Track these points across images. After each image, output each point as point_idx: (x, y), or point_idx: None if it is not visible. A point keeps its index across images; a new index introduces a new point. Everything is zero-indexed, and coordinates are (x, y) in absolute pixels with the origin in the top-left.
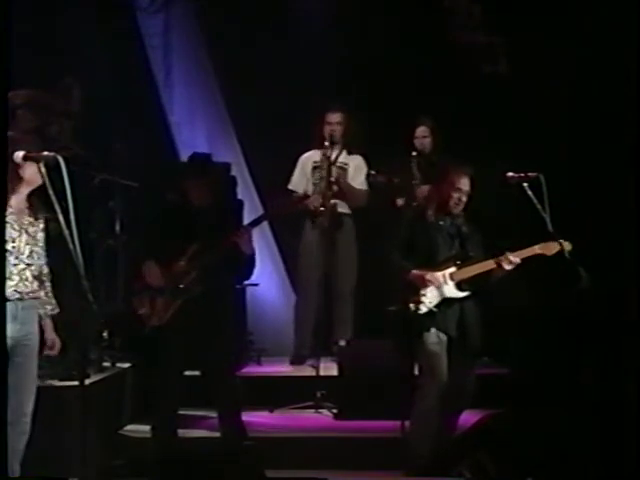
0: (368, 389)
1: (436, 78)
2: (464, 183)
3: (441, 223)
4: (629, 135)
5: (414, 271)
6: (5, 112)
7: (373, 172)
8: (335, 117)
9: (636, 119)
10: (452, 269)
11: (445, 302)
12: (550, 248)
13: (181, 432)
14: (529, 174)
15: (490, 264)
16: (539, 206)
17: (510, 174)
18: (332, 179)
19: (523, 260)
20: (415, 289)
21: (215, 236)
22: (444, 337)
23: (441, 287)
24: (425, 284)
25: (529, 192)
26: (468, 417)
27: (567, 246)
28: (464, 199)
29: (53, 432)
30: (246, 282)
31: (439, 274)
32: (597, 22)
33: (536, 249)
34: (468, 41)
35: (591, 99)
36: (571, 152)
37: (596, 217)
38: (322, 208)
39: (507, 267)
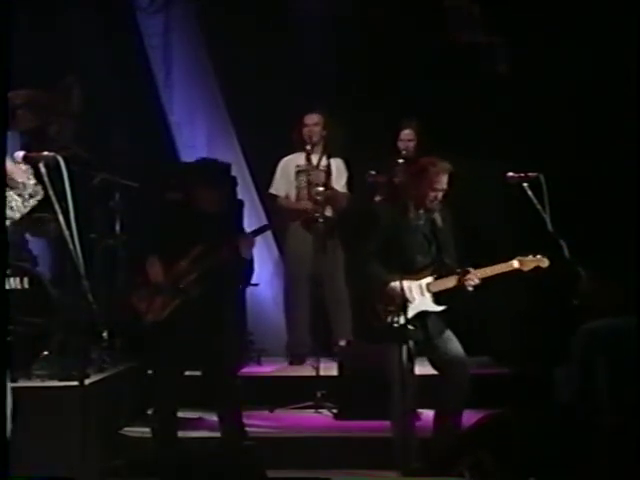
0: (368, 389)
1: (436, 78)
2: (442, 181)
3: (420, 223)
4: (630, 135)
5: (392, 284)
6: (5, 112)
7: (373, 172)
8: (312, 119)
9: (636, 119)
10: (429, 279)
11: (422, 314)
12: (527, 263)
13: (181, 433)
14: (529, 174)
15: (464, 277)
16: (539, 206)
17: (510, 174)
18: (323, 183)
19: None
20: (391, 301)
21: (219, 239)
22: (417, 346)
23: (418, 299)
24: (403, 299)
25: (529, 192)
26: (468, 417)
27: (544, 263)
28: (440, 196)
29: (53, 432)
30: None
31: (416, 285)
32: (597, 22)
33: (514, 264)
34: (468, 41)
35: (591, 99)
36: (571, 152)
37: (596, 217)
38: (317, 214)
39: (470, 285)
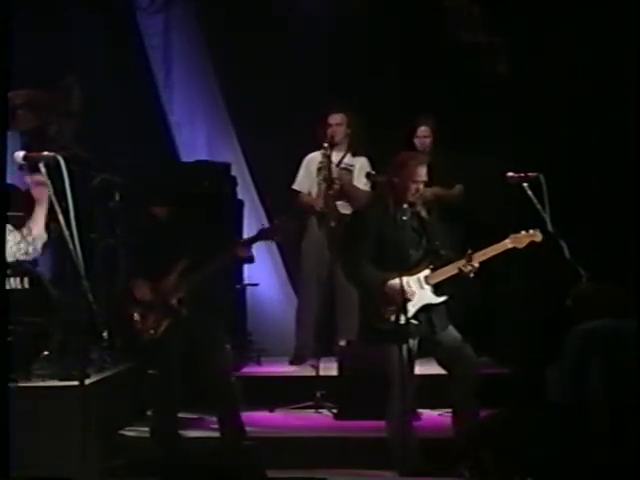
0: (368, 389)
1: (436, 78)
2: (421, 174)
3: (404, 218)
4: (630, 135)
5: (390, 282)
6: (5, 112)
7: (373, 172)
8: (336, 118)
9: (636, 119)
10: (426, 272)
11: (425, 307)
12: (521, 240)
13: (181, 433)
14: (529, 174)
15: (461, 263)
16: (539, 206)
17: (510, 174)
18: (334, 179)
19: (519, 250)
20: (392, 300)
21: (202, 252)
22: (423, 342)
23: (418, 294)
24: (404, 296)
25: (529, 192)
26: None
27: (537, 237)
28: (421, 188)
29: (53, 432)
30: (246, 282)
31: (414, 279)
32: (597, 22)
33: (507, 243)
34: (468, 41)
35: (591, 99)
36: (571, 152)
37: (596, 217)
38: (328, 211)
39: (470, 271)
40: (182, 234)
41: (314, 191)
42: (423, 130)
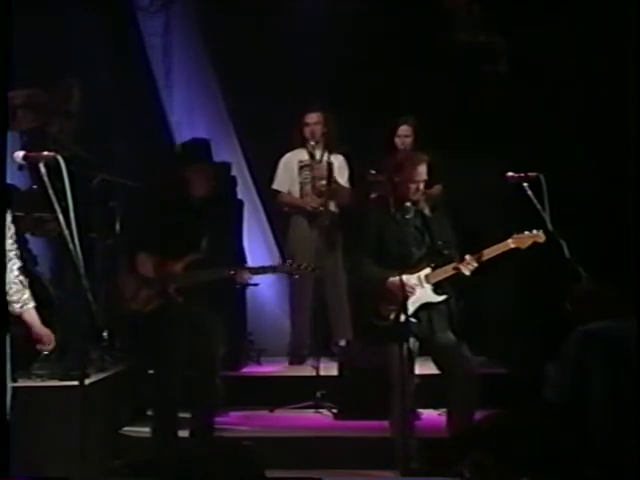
0: (368, 389)
1: (436, 78)
2: (420, 173)
3: (407, 217)
4: (630, 134)
5: (390, 279)
6: (5, 112)
7: (373, 172)
8: (313, 117)
9: (636, 119)
10: (427, 271)
11: (425, 306)
12: (523, 240)
13: (181, 432)
14: (529, 174)
15: (463, 264)
16: (539, 206)
17: (510, 174)
18: (324, 177)
19: (522, 250)
20: (393, 297)
21: (216, 249)
22: (418, 343)
23: (418, 292)
24: (404, 294)
25: (529, 192)
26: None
27: (540, 238)
28: (422, 187)
29: (53, 432)
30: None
31: (414, 277)
32: (597, 22)
33: (509, 243)
34: (468, 41)
35: (591, 98)
36: (571, 152)
37: (596, 217)
38: (322, 208)
39: (467, 272)
40: (194, 227)
41: (294, 190)
42: (404, 129)
